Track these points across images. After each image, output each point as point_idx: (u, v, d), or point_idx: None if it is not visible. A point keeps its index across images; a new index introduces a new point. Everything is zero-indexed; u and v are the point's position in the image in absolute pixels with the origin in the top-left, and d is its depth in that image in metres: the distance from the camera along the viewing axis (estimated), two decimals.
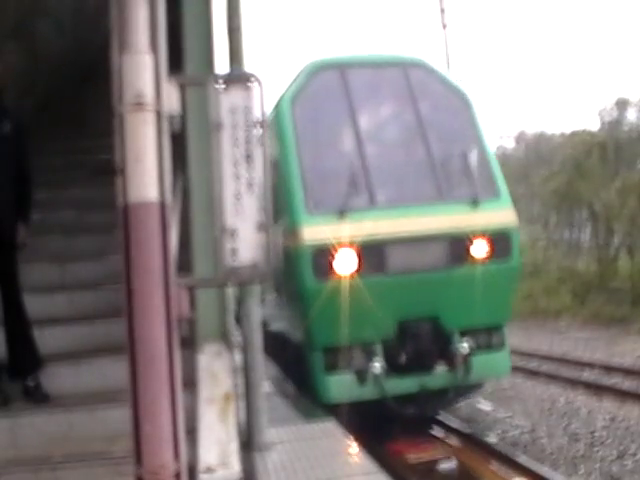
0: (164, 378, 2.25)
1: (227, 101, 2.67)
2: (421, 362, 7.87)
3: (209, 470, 3.59)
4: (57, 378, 4.74)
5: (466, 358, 7.90)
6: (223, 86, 2.70)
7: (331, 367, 7.64)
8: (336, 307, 7.23)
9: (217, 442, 3.79)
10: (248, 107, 2.68)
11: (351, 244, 7.37)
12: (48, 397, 4.62)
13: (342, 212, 7.52)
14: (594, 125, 36.09)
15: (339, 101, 8.45)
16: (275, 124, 8.41)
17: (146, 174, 2.28)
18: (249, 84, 2.70)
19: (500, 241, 7.94)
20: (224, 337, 4.66)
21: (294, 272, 7.68)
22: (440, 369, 8.02)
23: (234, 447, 3.79)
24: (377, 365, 7.59)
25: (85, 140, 7.45)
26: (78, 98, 8.39)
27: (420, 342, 7.80)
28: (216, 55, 4.76)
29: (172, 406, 2.26)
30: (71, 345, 5.02)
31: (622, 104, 32.02)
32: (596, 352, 15.78)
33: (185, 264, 4.03)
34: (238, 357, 5.11)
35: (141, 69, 2.31)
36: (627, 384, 11.56)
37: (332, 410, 7.08)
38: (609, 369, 12.99)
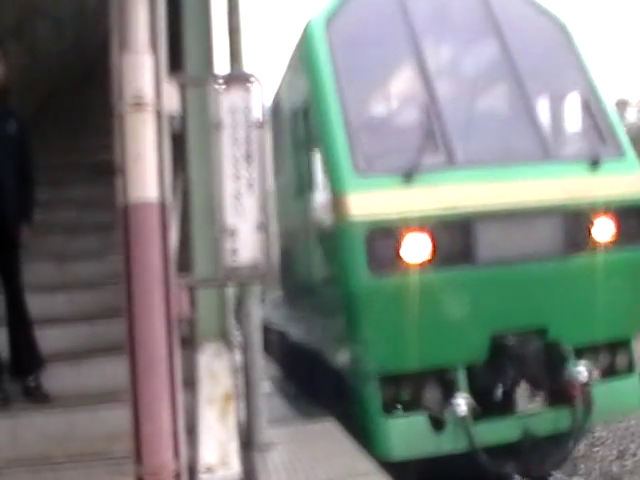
0: (164, 378, 2.25)
1: (227, 101, 2.68)
2: (526, 396, 5.77)
3: (209, 470, 3.59)
4: (57, 378, 4.74)
5: (584, 388, 5.49)
6: (223, 86, 2.70)
7: (392, 406, 5.41)
8: (400, 315, 5.15)
9: (217, 442, 3.79)
10: (248, 107, 2.68)
11: (422, 221, 5.17)
12: (48, 397, 4.63)
13: (408, 174, 5.23)
14: None
15: (395, 25, 6.10)
16: (303, 56, 6.31)
17: (146, 174, 2.28)
18: (249, 84, 2.70)
19: (631, 218, 5.63)
20: (224, 337, 4.67)
21: (336, 262, 5.56)
22: (551, 406, 5.79)
23: (234, 447, 3.79)
24: (461, 402, 5.25)
25: (85, 140, 7.47)
26: (78, 97, 8.40)
27: (524, 367, 5.46)
28: (216, 55, 4.76)
29: (172, 406, 2.27)
30: (71, 345, 5.02)
31: (622, 105, 32.02)
32: None
33: (185, 264, 4.03)
34: (238, 357, 5.12)
35: (141, 69, 2.31)
36: None
37: (394, 469, 4.72)
38: None
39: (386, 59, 6.17)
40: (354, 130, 5.50)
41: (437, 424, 5.34)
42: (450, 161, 5.48)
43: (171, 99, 2.45)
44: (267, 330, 9.58)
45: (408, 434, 5.31)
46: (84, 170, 7.01)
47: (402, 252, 5.15)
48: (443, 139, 5.55)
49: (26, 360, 4.70)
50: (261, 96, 2.71)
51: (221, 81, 2.73)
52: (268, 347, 10.41)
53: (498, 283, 5.38)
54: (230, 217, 2.65)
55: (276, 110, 8.19)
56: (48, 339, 4.88)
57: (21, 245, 4.74)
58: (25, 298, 4.75)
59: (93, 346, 4.95)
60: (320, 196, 5.90)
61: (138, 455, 2.23)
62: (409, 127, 5.76)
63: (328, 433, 5.39)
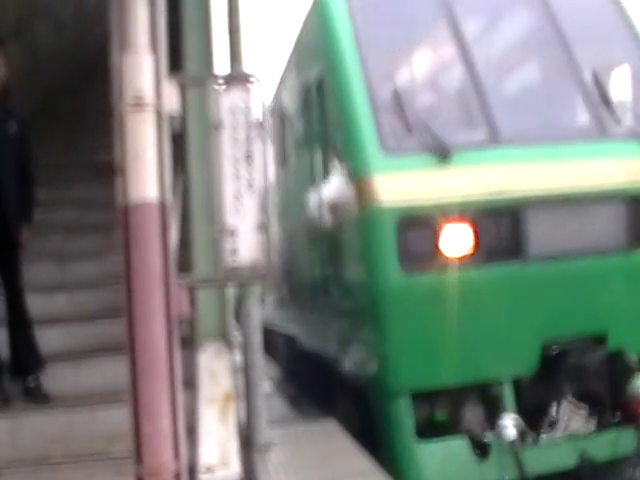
0: (164, 378, 2.25)
1: (227, 101, 2.67)
2: (583, 415, 4.81)
3: (209, 470, 3.59)
4: (57, 378, 4.74)
5: None
6: (223, 86, 2.70)
7: (426, 428, 4.59)
8: (436, 319, 4.46)
9: (217, 442, 3.79)
10: (248, 107, 2.68)
11: (463, 208, 4.49)
12: (48, 397, 4.63)
13: (444, 152, 4.53)
14: None
15: None
16: (317, 21, 5.60)
17: (146, 174, 2.28)
18: (249, 84, 2.70)
19: None
20: (224, 337, 4.67)
21: (360, 257, 4.86)
22: (613, 426, 4.81)
23: (234, 447, 3.79)
24: (508, 424, 4.50)
25: (86, 140, 7.47)
26: (79, 97, 8.40)
27: (581, 380, 4.71)
28: (216, 55, 4.76)
29: (172, 406, 2.26)
30: (71, 345, 5.02)
31: None
32: None
33: (185, 264, 4.04)
34: (238, 357, 5.12)
35: (141, 69, 2.31)
36: None
37: None
38: None
39: (415, 22, 5.35)
40: (380, 102, 4.74)
41: (480, 450, 4.57)
42: (493, 138, 4.74)
43: (171, 99, 2.45)
44: (272, 333, 9.19)
45: (446, 462, 4.52)
46: (84, 170, 7.01)
47: (439, 245, 4.44)
48: (484, 112, 4.82)
49: (26, 360, 4.70)
50: (261, 96, 2.71)
51: (221, 81, 2.73)
52: (273, 351, 10.15)
53: (551, 282, 4.64)
54: (230, 217, 2.65)
55: (282, 94, 7.82)
56: (48, 339, 4.88)
57: (21, 245, 4.74)
58: (25, 298, 4.75)
59: (93, 346, 4.95)
60: (339, 182, 5.15)
61: (138, 455, 2.23)
62: (444, 99, 5.09)
63: (327, 433, 5.39)
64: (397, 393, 4.59)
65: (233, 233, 2.64)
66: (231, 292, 5.03)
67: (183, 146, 4.52)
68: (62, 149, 7.33)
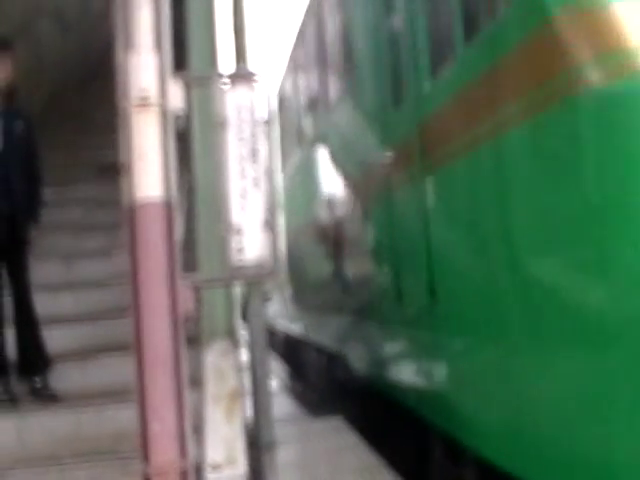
0: (171, 376, 2.25)
1: (232, 99, 2.67)
2: None
3: (216, 468, 3.59)
4: (64, 377, 4.74)
5: None
6: (228, 85, 2.70)
7: None
8: None
9: (224, 440, 3.79)
10: (253, 105, 2.68)
11: None
12: (56, 397, 4.63)
13: None
14: None
15: None
16: None
17: (151, 173, 2.28)
18: (254, 82, 2.70)
19: None
20: (230, 335, 4.65)
21: (578, 213, 2.25)
22: None
23: (241, 445, 3.79)
24: None
25: (92, 139, 7.47)
26: (85, 97, 8.41)
27: None
28: (220, 53, 4.75)
29: (179, 404, 2.27)
30: (78, 344, 5.02)
31: None
32: None
33: (192, 262, 4.03)
34: (245, 355, 5.11)
35: (146, 68, 2.31)
36: None
37: None
38: None
39: None
40: None
41: None
42: None
43: (176, 98, 2.45)
44: (300, 343, 8.07)
45: None
46: (90, 169, 7.01)
47: None
48: None
49: (33, 360, 4.70)
50: (266, 94, 2.71)
51: (226, 80, 2.73)
52: (292, 360, 9.26)
53: None
54: (236, 216, 2.65)
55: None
56: (54, 339, 4.88)
57: (28, 244, 4.74)
58: (32, 298, 4.75)
59: (100, 346, 4.95)
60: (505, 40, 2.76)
61: (145, 454, 2.23)
62: None
63: (334, 430, 5.38)
64: None
65: (239, 232, 2.64)
66: (238, 290, 5.02)
67: (188, 145, 4.52)
68: (68, 149, 7.33)
